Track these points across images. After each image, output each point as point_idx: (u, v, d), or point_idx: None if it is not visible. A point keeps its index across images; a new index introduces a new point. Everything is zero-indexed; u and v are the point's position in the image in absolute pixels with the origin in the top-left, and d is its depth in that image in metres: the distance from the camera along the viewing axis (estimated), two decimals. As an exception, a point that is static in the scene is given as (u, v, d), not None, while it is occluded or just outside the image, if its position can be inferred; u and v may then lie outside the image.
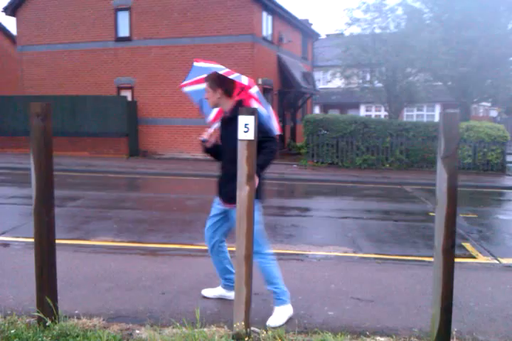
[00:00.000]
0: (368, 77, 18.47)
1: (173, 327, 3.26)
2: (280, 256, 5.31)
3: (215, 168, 4.00)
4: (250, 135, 2.93)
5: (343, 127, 14.95)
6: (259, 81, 16.49)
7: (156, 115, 17.19)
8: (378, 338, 3.23)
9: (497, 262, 5.37)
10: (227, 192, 3.51)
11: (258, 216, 3.44)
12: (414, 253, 5.65)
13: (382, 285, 4.36)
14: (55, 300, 3.18)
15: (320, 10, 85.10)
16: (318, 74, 27.33)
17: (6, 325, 3.15)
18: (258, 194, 3.38)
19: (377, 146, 14.86)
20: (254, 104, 3.56)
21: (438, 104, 28.57)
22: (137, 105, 17.25)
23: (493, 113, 37.60)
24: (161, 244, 5.80)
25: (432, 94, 19.03)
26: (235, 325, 3.01)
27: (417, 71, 17.12)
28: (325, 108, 32.59)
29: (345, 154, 15.04)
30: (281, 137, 19.67)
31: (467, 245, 6.04)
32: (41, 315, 3.11)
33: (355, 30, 17.68)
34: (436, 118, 26.67)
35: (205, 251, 3.98)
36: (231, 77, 3.49)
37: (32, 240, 3.21)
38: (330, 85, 24.07)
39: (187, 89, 3.91)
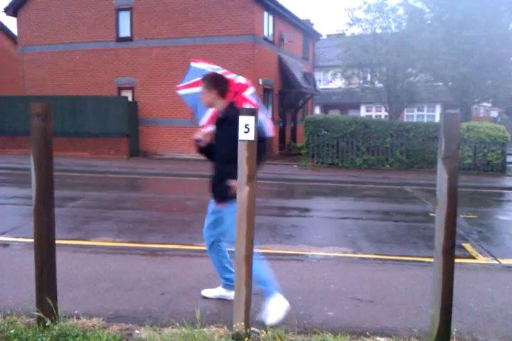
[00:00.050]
0: (369, 78, 18.48)
1: (173, 327, 3.26)
2: (280, 257, 5.32)
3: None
4: (250, 135, 2.93)
5: (343, 127, 14.95)
6: (260, 81, 16.50)
7: (156, 115, 17.20)
8: (378, 338, 3.23)
9: (497, 263, 5.37)
10: (220, 191, 3.56)
11: None
12: (414, 254, 5.64)
13: (382, 286, 4.36)
14: (54, 300, 3.18)
15: (321, 10, 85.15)
16: (318, 75, 27.37)
17: (6, 325, 3.15)
18: None
19: (377, 147, 14.85)
20: (247, 106, 3.61)
21: (438, 105, 28.57)
22: (138, 105, 17.26)
23: (494, 113, 37.58)
24: (160, 244, 5.80)
25: (433, 95, 19.04)
26: (234, 325, 3.01)
27: (418, 71, 17.12)
28: (325, 108, 32.60)
29: (346, 154, 15.04)
30: (282, 137, 19.69)
31: (467, 245, 6.04)
32: (41, 315, 3.11)
33: (356, 30, 17.71)
34: (437, 119, 26.67)
35: (205, 251, 3.98)
36: (227, 77, 3.54)
37: (32, 240, 3.21)
38: (330, 85, 24.13)
39: (182, 92, 3.96)
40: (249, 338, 2.98)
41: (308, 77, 20.25)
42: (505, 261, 5.41)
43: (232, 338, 3.01)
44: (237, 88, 3.73)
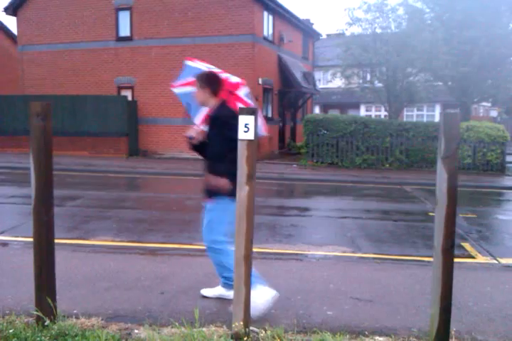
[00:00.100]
0: (369, 77, 18.47)
1: (172, 327, 3.26)
2: (279, 256, 5.33)
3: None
4: (250, 135, 2.92)
5: (343, 127, 14.95)
6: (260, 81, 16.49)
7: (156, 115, 17.19)
8: (377, 338, 3.23)
9: (496, 262, 5.37)
10: (207, 188, 3.63)
11: (231, 214, 3.51)
12: (413, 253, 5.64)
13: (381, 285, 4.36)
14: (53, 299, 3.18)
15: (321, 10, 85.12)
16: (318, 74, 27.35)
17: (5, 324, 3.15)
18: (235, 192, 3.45)
19: (377, 146, 14.86)
20: (239, 105, 3.65)
21: (438, 104, 28.57)
22: (137, 105, 17.25)
23: (493, 113, 37.59)
24: (160, 243, 5.80)
25: (432, 94, 19.03)
26: (233, 325, 3.01)
27: (418, 71, 17.12)
28: (325, 108, 32.60)
29: (345, 154, 15.04)
30: (281, 137, 19.69)
31: (466, 245, 6.04)
32: (40, 314, 3.11)
33: (356, 30, 17.70)
34: (436, 119, 26.66)
35: (204, 250, 3.98)
36: (221, 76, 3.58)
37: (31, 239, 3.21)
38: (330, 85, 24.09)
39: (176, 90, 4.00)
40: (248, 337, 2.98)
41: (308, 76, 20.24)
42: (504, 261, 5.41)
43: (232, 337, 3.00)
44: (231, 87, 3.76)
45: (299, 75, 19.10)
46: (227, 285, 3.82)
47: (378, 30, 17.05)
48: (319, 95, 25.15)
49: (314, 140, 15.19)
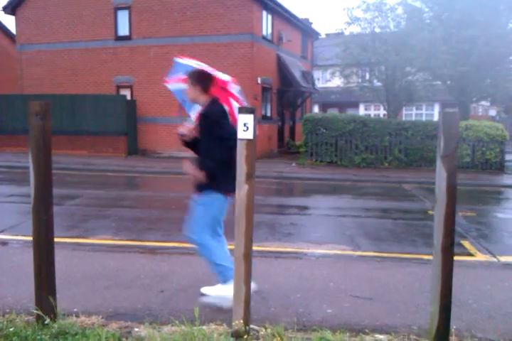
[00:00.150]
0: (368, 76, 18.48)
1: (172, 325, 3.26)
2: (279, 254, 5.33)
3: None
4: (249, 134, 2.91)
5: (342, 126, 14.95)
6: (259, 80, 16.48)
7: (155, 114, 17.18)
8: (377, 336, 3.23)
9: (495, 260, 5.38)
10: (196, 183, 3.69)
11: (214, 209, 3.63)
12: (412, 251, 5.65)
13: (380, 283, 4.37)
14: (53, 298, 3.18)
15: (320, 9, 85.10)
16: (317, 74, 27.33)
17: (5, 323, 3.15)
18: (216, 184, 3.51)
19: (376, 145, 14.86)
20: (232, 102, 3.69)
21: (437, 103, 28.59)
22: (136, 104, 17.24)
23: (492, 112, 37.60)
24: (159, 242, 5.80)
25: (431, 93, 19.05)
26: (234, 323, 3.01)
27: (417, 70, 17.13)
28: (324, 107, 32.61)
29: (344, 153, 15.05)
30: (280, 136, 19.69)
31: (466, 243, 6.05)
32: (40, 313, 3.11)
33: (355, 29, 17.72)
34: (435, 118, 26.69)
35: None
36: (212, 74, 3.63)
37: (30, 238, 3.21)
38: (329, 84, 24.12)
39: (171, 86, 4.04)
40: (248, 335, 2.99)
41: (307, 75, 20.24)
42: (503, 259, 5.42)
43: (232, 336, 3.01)
44: (222, 84, 3.78)
45: (297, 74, 19.10)
46: (227, 282, 3.80)
47: (377, 30, 17.06)
48: (318, 94, 25.16)
49: (313, 139, 15.20)
